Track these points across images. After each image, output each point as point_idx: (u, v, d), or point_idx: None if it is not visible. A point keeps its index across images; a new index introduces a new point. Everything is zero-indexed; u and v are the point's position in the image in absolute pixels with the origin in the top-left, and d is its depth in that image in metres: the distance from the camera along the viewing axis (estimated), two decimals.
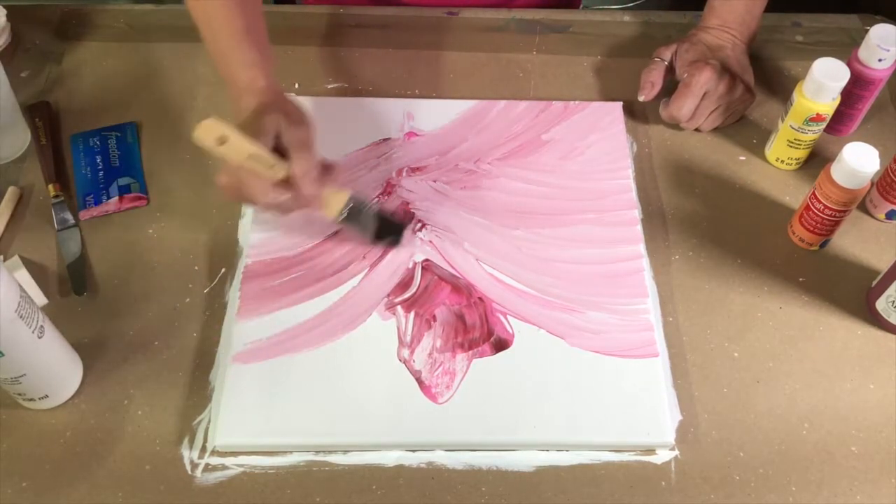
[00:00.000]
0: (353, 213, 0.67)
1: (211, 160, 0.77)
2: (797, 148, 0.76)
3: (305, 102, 0.81)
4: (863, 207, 0.76)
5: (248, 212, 0.74)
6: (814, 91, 0.71)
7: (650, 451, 0.62)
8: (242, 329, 0.66)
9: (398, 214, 0.72)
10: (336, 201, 0.66)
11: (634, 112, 0.83)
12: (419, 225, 0.73)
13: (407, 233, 0.71)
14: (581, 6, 1.02)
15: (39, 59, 0.86)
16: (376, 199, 0.71)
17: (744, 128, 0.82)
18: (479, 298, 0.68)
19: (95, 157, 0.77)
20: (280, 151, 0.61)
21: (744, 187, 0.77)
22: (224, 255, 0.71)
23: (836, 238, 0.73)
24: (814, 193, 0.69)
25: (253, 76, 0.64)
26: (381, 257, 0.70)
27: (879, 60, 0.73)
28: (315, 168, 0.62)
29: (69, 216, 0.73)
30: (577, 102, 0.82)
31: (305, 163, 0.61)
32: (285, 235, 0.71)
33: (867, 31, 0.73)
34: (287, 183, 0.61)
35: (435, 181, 0.76)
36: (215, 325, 0.67)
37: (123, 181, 0.75)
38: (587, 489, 0.60)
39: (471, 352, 0.65)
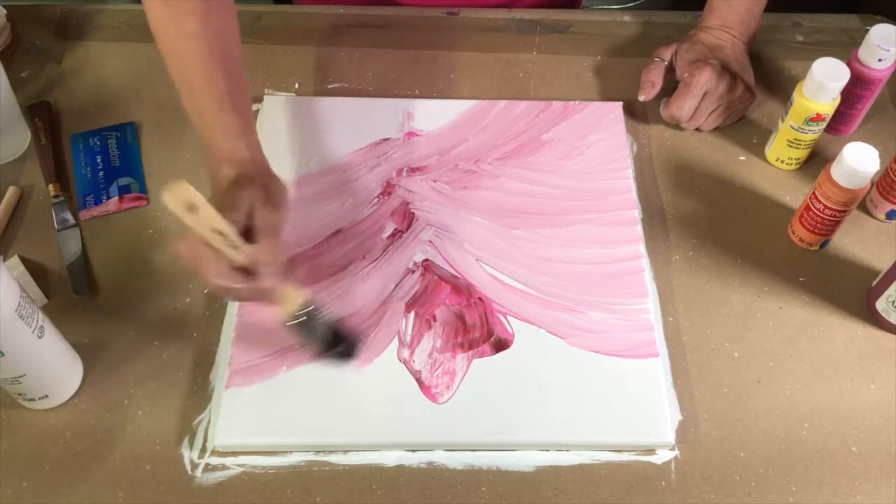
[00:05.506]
0: (307, 318, 0.60)
1: None
2: (797, 148, 0.76)
3: (306, 102, 0.82)
4: (863, 207, 0.76)
5: None
6: (814, 91, 0.71)
7: (650, 451, 0.62)
8: (242, 329, 0.66)
9: (354, 329, 0.64)
10: (293, 299, 0.59)
11: (634, 112, 0.83)
12: (419, 225, 0.73)
13: (360, 348, 0.64)
14: (581, 6, 1.02)
15: (39, 59, 0.86)
16: (330, 308, 0.62)
17: (744, 128, 0.82)
18: (479, 298, 0.68)
19: (95, 157, 0.77)
20: (249, 231, 0.57)
21: (744, 187, 0.77)
22: None
23: (836, 238, 0.73)
24: (814, 193, 0.69)
25: (234, 147, 0.60)
26: (381, 257, 0.70)
27: (879, 60, 0.73)
28: (281, 259, 0.57)
29: (69, 216, 0.73)
30: (577, 102, 0.82)
31: (272, 252, 0.56)
32: (285, 235, 0.71)
33: (867, 31, 0.73)
34: (247, 269, 0.56)
35: (435, 181, 0.76)
36: (215, 325, 0.67)
37: (123, 181, 0.75)
38: (587, 489, 0.60)
39: (471, 352, 0.65)
